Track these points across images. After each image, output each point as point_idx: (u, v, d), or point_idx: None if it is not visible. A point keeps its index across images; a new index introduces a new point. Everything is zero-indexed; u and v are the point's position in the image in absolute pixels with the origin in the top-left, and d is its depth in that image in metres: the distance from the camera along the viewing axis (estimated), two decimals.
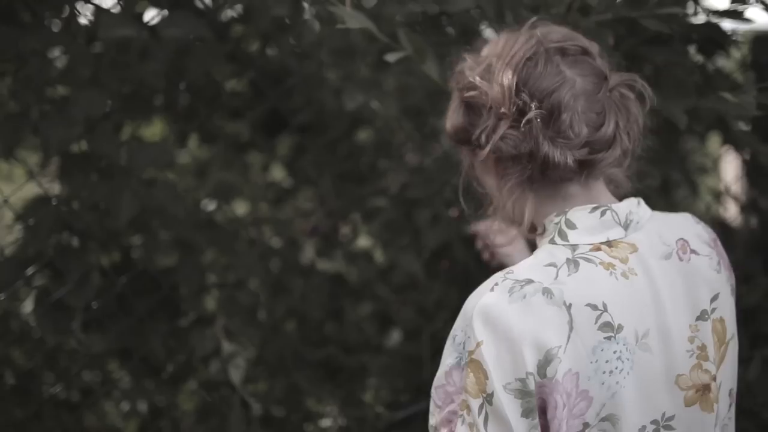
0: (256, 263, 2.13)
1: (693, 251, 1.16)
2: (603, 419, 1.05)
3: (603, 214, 1.11)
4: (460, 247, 2.21)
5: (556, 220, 1.12)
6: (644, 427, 1.08)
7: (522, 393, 1.03)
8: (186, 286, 2.00)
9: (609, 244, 1.11)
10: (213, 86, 2.19)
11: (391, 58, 1.41)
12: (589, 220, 1.11)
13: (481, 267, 2.22)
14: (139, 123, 2.04)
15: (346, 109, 2.10)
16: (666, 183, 2.29)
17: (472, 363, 1.04)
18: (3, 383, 1.95)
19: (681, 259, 1.14)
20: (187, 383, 2.15)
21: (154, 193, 1.85)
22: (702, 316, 1.13)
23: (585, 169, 1.11)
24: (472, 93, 1.14)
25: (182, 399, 2.22)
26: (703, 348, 1.12)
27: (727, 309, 1.17)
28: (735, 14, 1.60)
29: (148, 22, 1.85)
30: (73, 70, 1.84)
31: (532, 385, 1.03)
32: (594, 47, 1.17)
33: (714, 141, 2.39)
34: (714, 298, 1.15)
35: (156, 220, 1.94)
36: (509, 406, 1.03)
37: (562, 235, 1.11)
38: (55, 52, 1.96)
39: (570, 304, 1.04)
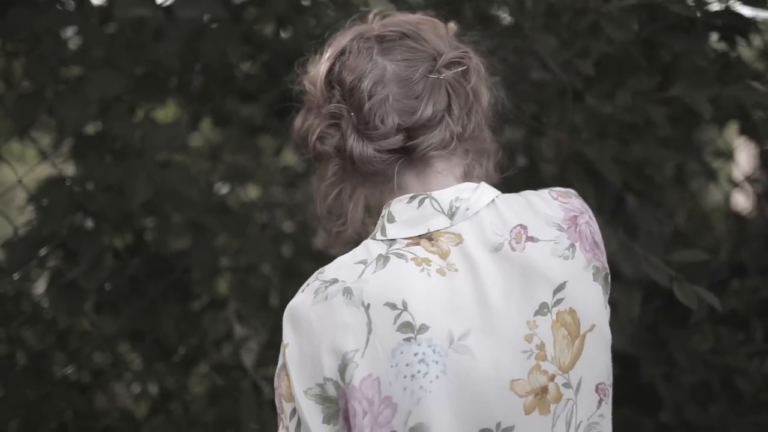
0: (268, 247, 2.12)
1: (530, 238, 1.04)
2: (412, 428, 0.97)
3: (421, 203, 1.05)
4: None
5: (383, 213, 1.08)
6: None
7: (322, 399, 0.99)
8: (198, 269, 2.00)
9: (430, 237, 1.03)
10: (227, 68, 2.18)
11: None
12: (408, 212, 1.05)
13: None
14: (153, 105, 2.03)
15: None
16: (680, 173, 2.27)
17: (284, 366, 1.02)
18: (15, 364, 1.95)
19: (514, 249, 1.03)
20: (198, 366, 2.15)
21: (168, 175, 1.84)
22: (541, 310, 1.01)
23: (403, 156, 1.06)
24: (306, 96, 1.13)
25: (193, 382, 2.22)
26: (541, 347, 1.00)
27: (582, 298, 1.03)
28: (758, 1, 1.57)
29: (163, 2, 1.84)
30: (87, 50, 1.83)
31: (332, 390, 0.98)
32: (435, 29, 1.12)
33: (728, 130, 2.37)
34: (559, 289, 1.02)
35: (169, 202, 1.93)
36: (310, 411, 0.98)
37: (383, 230, 1.06)
38: (69, 32, 1.95)
39: (368, 305, 0.99)
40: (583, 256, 1.05)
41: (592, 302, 1.04)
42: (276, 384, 1.04)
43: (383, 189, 1.09)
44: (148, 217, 2.04)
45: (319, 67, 1.11)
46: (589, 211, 1.09)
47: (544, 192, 1.09)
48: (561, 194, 1.09)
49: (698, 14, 1.48)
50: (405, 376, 0.97)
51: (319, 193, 1.15)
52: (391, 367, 0.97)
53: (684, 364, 1.79)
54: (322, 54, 1.13)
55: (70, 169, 2.02)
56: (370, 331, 0.98)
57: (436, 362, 0.97)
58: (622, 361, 1.79)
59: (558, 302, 1.02)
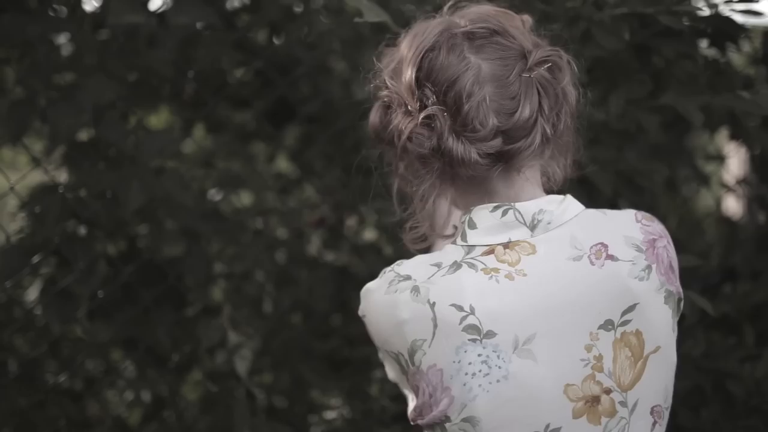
0: (262, 254, 2.13)
1: (610, 256, 1.05)
2: (464, 419, 1.03)
3: (505, 213, 1.06)
4: None
5: (463, 218, 1.08)
6: None
7: (397, 360, 1.07)
8: (192, 276, 2.00)
9: (506, 245, 1.05)
10: (220, 75, 2.18)
11: None
12: (490, 220, 1.06)
13: None
14: (146, 111, 2.03)
15: (354, 100, 2.09)
16: (672, 178, 2.28)
17: (364, 324, 1.11)
18: (6, 371, 1.94)
19: (593, 264, 1.04)
20: (192, 373, 2.14)
21: (161, 182, 1.84)
22: (606, 325, 1.04)
23: (501, 162, 1.05)
24: (385, 92, 1.10)
25: (187, 389, 2.22)
26: (599, 358, 1.03)
27: (650, 320, 1.05)
28: (751, 11, 1.59)
29: (156, 9, 1.84)
30: (80, 57, 1.84)
31: (403, 362, 1.06)
32: (525, 24, 1.10)
33: (719, 135, 2.38)
34: (629, 310, 1.04)
35: (162, 209, 1.93)
36: (392, 361, 1.08)
37: (463, 236, 1.07)
38: (62, 39, 1.95)
39: (434, 303, 1.03)
40: (657, 279, 1.06)
41: (659, 324, 1.06)
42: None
43: (470, 192, 1.09)
44: (141, 224, 2.04)
45: (403, 63, 1.07)
46: (668, 236, 1.11)
47: (630, 213, 1.11)
48: (645, 217, 1.11)
49: (686, 23, 1.49)
50: (466, 374, 1.02)
51: (397, 192, 1.18)
52: (454, 362, 1.02)
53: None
54: (397, 49, 1.11)
55: (62, 176, 2.01)
56: (435, 326, 1.03)
57: (499, 367, 1.02)
58: None
59: (625, 323, 1.04)
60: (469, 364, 1.01)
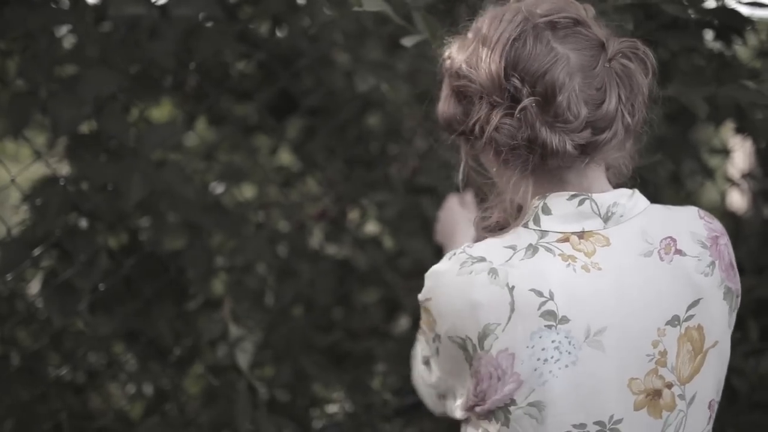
0: (263, 247, 2.12)
1: (678, 251, 1.07)
2: (531, 404, 1.04)
3: (581, 203, 1.06)
4: None
5: (536, 203, 1.08)
6: (583, 425, 1.04)
7: (463, 346, 1.06)
8: (193, 269, 1.99)
9: (581, 235, 1.05)
10: (222, 67, 2.17)
11: (407, 42, 1.38)
12: (566, 208, 1.06)
13: None
14: (148, 104, 2.02)
15: (357, 92, 2.08)
16: (676, 172, 2.27)
17: (424, 309, 1.10)
18: (9, 364, 1.94)
19: (662, 259, 1.06)
20: (193, 367, 2.14)
21: (163, 174, 1.83)
22: (672, 321, 1.06)
23: (587, 153, 1.05)
24: (461, 82, 1.08)
25: (188, 382, 2.21)
26: (663, 354, 1.05)
27: (711, 315, 1.08)
28: (755, 2, 1.57)
29: (157, 1, 1.83)
30: (82, 49, 1.83)
31: (471, 347, 1.05)
32: (588, 12, 1.10)
33: (724, 128, 2.37)
34: (693, 304, 1.07)
35: (164, 202, 1.93)
36: (452, 349, 1.07)
37: (536, 220, 1.07)
38: (63, 31, 1.94)
39: (513, 287, 1.03)
40: (719, 275, 1.09)
41: (718, 320, 1.09)
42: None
43: (546, 182, 1.08)
44: (142, 217, 2.04)
45: (482, 52, 1.06)
46: (727, 235, 1.14)
47: (692, 209, 1.13)
48: (706, 214, 1.14)
49: (692, 14, 1.48)
50: (538, 359, 1.02)
51: (498, 183, 1.13)
52: (527, 347, 1.02)
53: None
54: (472, 38, 1.09)
55: (64, 169, 2.01)
56: (512, 311, 1.02)
57: (569, 353, 1.03)
58: None
59: (689, 318, 1.07)
60: (543, 349, 1.02)
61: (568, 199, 1.06)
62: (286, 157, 2.64)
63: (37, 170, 1.98)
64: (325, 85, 2.28)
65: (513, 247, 1.05)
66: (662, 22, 1.54)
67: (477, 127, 1.07)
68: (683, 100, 1.46)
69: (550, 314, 1.02)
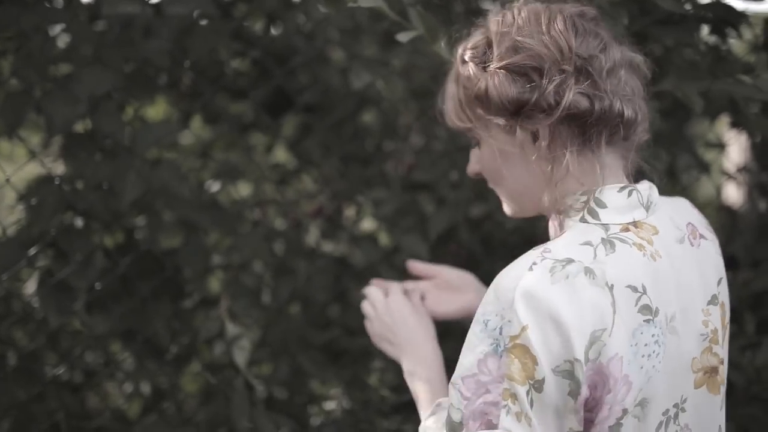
0: (260, 245, 2.12)
1: (701, 235, 1.14)
2: (638, 404, 1.02)
3: (630, 194, 1.07)
4: (466, 230, 2.19)
5: (583, 198, 1.07)
6: (667, 410, 1.06)
7: (570, 374, 0.98)
8: (190, 267, 1.99)
9: (635, 224, 1.07)
10: (217, 65, 2.17)
11: (402, 38, 1.38)
12: (619, 200, 1.06)
13: (487, 251, 2.21)
14: (143, 102, 2.02)
15: (352, 89, 2.07)
16: (672, 166, 2.27)
17: (517, 348, 0.98)
18: (5, 364, 1.94)
19: (692, 245, 1.12)
20: (190, 365, 2.14)
21: (159, 173, 1.83)
22: (713, 300, 1.11)
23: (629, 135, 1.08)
24: (517, 57, 1.05)
25: (185, 381, 2.21)
26: (715, 332, 1.10)
27: (726, 293, 1.16)
28: None
29: None
30: (76, 48, 1.82)
31: (580, 369, 0.97)
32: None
33: (719, 122, 2.37)
34: (719, 283, 1.14)
35: (160, 200, 1.92)
36: (558, 385, 0.98)
37: (593, 214, 1.06)
38: (57, 30, 1.94)
39: (612, 285, 1.00)
40: (721, 257, 1.18)
41: (728, 297, 1.17)
42: (474, 371, 1.01)
43: (588, 167, 1.07)
44: (138, 216, 2.03)
45: (541, 25, 1.06)
46: None
47: (684, 199, 1.21)
48: (693, 205, 1.21)
49: (687, 8, 1.48)
50: (642, 356, 1.01)
51: (532, 170, 1.09)
52: (631, 346, 1.00)
53: None
54: (503, 19, 1.09)
55: (59, 168, 2.00)
56: (615, 312, 0.99)
57: (663, 343, 1.04)
58: None
59: (719, 295, 1.13)
60: (645, 345, 1.01)
61: (618, 191, 1.07)
62: (281, 155, 2.64)
63: (32, 170, 1.97)
64: (321, 82, 2.27)
65: (589, 243, 1.02)
66: (657, 17, 1.54)
67: (551, 99, 1.04)
68: (678, 95, 1.47)
69: (646, 309, 1.02)
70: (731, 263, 2.09)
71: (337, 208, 2.40)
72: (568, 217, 1.08)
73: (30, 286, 2.03)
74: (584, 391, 0.99)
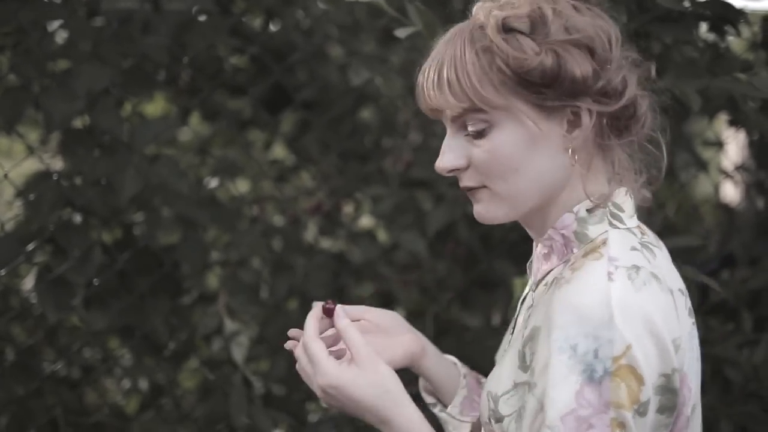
0: (258, 241, 2.12)
1: None
2: (692, 407, 0.97)
3: (632, 197, 1.02)
4: (465, 227, 2.19)
5: (604, 203, 0.99)
6: (695, 406, 1.01)
7: (666, 390, 0.92)
8: (188, 263, 1.99)
9: (640, 228, 1.01)
10: (215, 62, 2.16)
11: (401, 33, 1.38)
12: (629, 204, 1.01)
13: (486, 248, 2.21)
14: (141, 98, 2.02)
15: (351, 86, 2.07)
16: (669, 164, 2.27)
17: (623, 370, 0.88)
18: (3, 359, 1.94)
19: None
20: (188, 361, 2.14)
21: (157, 169, 1.83)
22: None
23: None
24: (580, 35, 0.96)
25: (183, 377, 2.21)
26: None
27: None
28: None
29: None
30: (74, 43, 1.82)
31: (676, 380, 0.92)
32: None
33: (717, 120, 2.37)
34: None
35: (158, 196, 1.92)
36: (656, 406, 0.91)
37: (617, 218, 0.99)
38: (55, 25, 1.93)
39: (671, 290, 0.95)
40: None
41: None
42: (573, 406, 0.88)
43: (608, 162, 1.00)
44: (137, 212, 2.03)
45: (587, 13, 0.99)
46: None
47: None
48: None
49: (686, 5, 1.48)
50: (695, 359, 0.98)
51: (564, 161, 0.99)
52: (689, 351, 0.96)
53: None
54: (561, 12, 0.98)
55: (57, 164, 2.00)
56: (677, 317, 0.95)
57: (698, 346, 1.00)
58: None
59: None
60: (695, 348, 0.98)
61: (625, 195, 1.01)
62: (280, 151, 2.64)
63: (30, 166, 1.97)
64: (319, 78, 2.27)
65: (635, 248, 0.96)
66: (656, 14, 1.54)
67: (618, 86, 0.97)
68: (677, 93, 1.46)
69: (691, 311, 0.99)
70: (729, 261, 2.10)
71: (336, 204, 2.40)
72: (591, 223, 0.99)
73: (28, 282, 2.03)
74: (678, 403, 0.93)
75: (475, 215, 1.03)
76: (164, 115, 2.20)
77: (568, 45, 0.96)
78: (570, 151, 0.97)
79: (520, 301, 1.10)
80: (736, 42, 1.97)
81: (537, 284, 1.04)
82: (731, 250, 2.10)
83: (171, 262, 1.95)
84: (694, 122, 2.63)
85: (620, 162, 1.00)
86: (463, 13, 1.15)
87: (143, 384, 2.12)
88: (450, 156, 1.01)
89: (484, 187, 1.01)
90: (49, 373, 1.97)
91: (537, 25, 0.97)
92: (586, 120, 0.97)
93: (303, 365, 1.05)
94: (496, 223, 1.03)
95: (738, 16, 1.61)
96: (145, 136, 1.82)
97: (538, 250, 1.04)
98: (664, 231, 2.02)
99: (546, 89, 0.96)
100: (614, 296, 0.90)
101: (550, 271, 1.02)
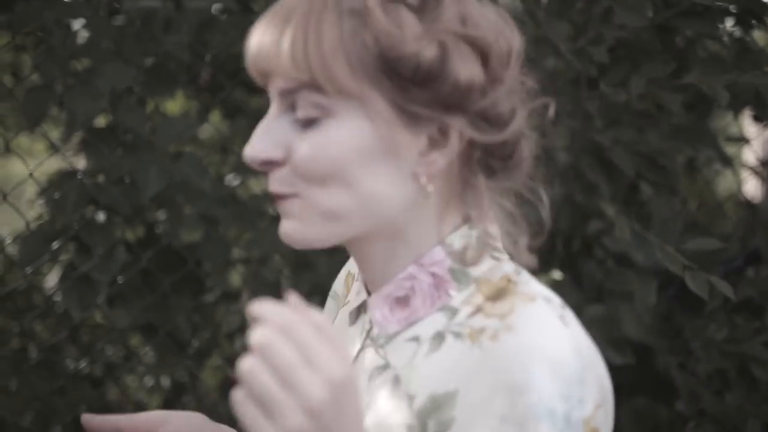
0: (280, 239, 2.11)
1: None
2: None
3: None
4: None
5: (471, 232, 0.78)
6: None
7: None
8: (211, 261, 1.99)
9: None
10: (236, 60, 2.16)
11: None
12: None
13: None
14: (163, 96, 2.02)
15: None
16: (692, 160, 2.25)
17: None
18: (27, 357, 1.95)
19: None
20: (211, 359, 2.14)
21: (179, 167, 1.83)
22: None
23: None
24: (477, 32, 0.74)
25: (206, 375, 2.22)
26: None
27: None
28: None
29: None
30: (96, 42, 1.83)
31: None
32: None
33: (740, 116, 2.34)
34: None
35: (180, 194, 1.92)
36: None
37: (495, 248, 0.78)
38: (78, 25, 1.94)
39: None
40: None
41: None
42: None
43: (455, 202, 0.79)
44: (159, 210, 2.04)
45: (504, 28, 0.77)
46: None
47: None
48: None
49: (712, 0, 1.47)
50: None
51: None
52: None
53: (699, 352, 1.78)
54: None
55: (80, 162, 2.01)
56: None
57: None
58: (637, 350, 1.78)
59: None
60: None
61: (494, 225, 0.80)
62: None
63: (52, 164, 1.98)
64: None
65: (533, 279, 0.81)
66: (681, 8, 1.52)
67: (504, 110, 0.75)
68: (703, 88, 1.45)
69: None
70: (754, 258, 2.07)
71: None
72: (471, 259, 0.77)
73: (51, 280, 2.04)
74: None
75: (281, 235, 0.79)
76: (185, 113, 2.20)
77: (459, 40, 0.73)
78: (423, 177, 0.74)
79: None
80: (761, 36, 1.94)
81: (390, 338, 0.79)
82: (756, 247, 2.08)
83: (193, 259, 1.96)
84: (718, 117, 2.61)
85: (483, 209, 0.77)
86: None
87: (166, 382, 2.13)
88: (263, 142, 0.76)
89: (297, 196, 0.76)
90: (73, 370, 1.98)
91: (429, 3, 0.73)
92: (454, 143, 0.74)
93: (288, 372, 0.63)
94: (310, 248, 0.78)
95: (764, 9, 1.60)
96: (167, 134, 1.82)
97: (385, 292, 0.79)
98: (687, 229, 2.01)
99: (416, 88, 0.72)
100: (582, 346, 0.72)
101: (416, 322, 0.78)
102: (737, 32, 1.71)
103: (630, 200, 1.85)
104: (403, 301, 0.78)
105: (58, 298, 1.95)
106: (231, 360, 2.04)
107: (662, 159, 1.80)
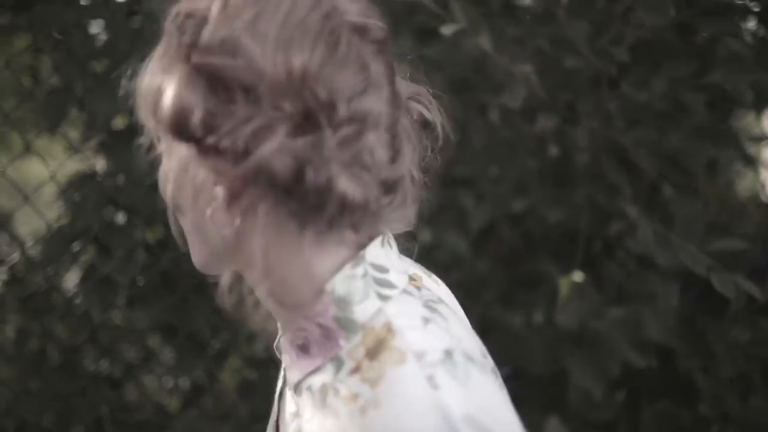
0: None
1: None
2: None
3: (390, 243, 0.83)
4: (507, 225, 2.17)
5: (359, 271, 0.75)
6: None
7: None
8: None
9: (412, 280, 0.83)
10: None
11: (447, 30, 1.37)
12: (389, 255, 0.80)
13: (529, 247, 2.19)
14: None
15: None
16: (713, 160, 2.23)
17: None
18: (47, 358, 1.96)
19: None
20: (230, 360, 2.14)
21: None
22: None
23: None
24: (224, 61, 0.69)
25: (225, 375, 2.22)
26: None
27: None
28: None
29: None
30: (114, 44, 1.83)
31: None
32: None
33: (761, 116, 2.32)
34: None
35: None
36: None
37: (385, 284, 0.76)
38: (97, 27, 1.95)
39: (483, 365, 0.74)
40: None
41: None
42: None
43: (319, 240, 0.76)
44: None
45: (282, 38, 0.71)
46: None
47: None
48: None
49: None
50: None
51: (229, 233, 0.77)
52: None
53: (723, 355, 1.76)
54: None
55: (99, 164, 2.02)
56: (505, 399, 0.76)
57: None
58: (660, 353, 1.77)
59: None
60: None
61: (382, 246, 0.79)
62: None
63: (69, 166, 1.99)
64: None
65: (426, 319, 0.76)
66: (702, 7, 1.51)
67: (240, 139, 0.68)
68: (727, 87, 1.44)
69: (496, 372, 0.80)
70: None
71: None
72: (356, 303, 0.74)
73: (70, 281, 2.05)
74: None
75: None
76: None
77: (185, 68, 0.73)
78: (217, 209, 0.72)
79: (277, 395, 0.88)
80: None
81: (297, 385, 0.78)
82: None
83: None
84: (739, 117, 2.58)
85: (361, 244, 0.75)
86: (503, 10, 1.13)
87: (185, 383, 2.13)
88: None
89: None
90: (93, 371, 1.99)
91: (191, 27, 0.74)
92: (227, 184, 0.72)
93: None
94: (206, 272, 0.81)
95: None
96: None
97: (290, 337, 0.78)
98: (711, 228, 1.99)
99: (151, 115, 0.76)
100: (450, 410, 0.66)
101: (314, 371, 0.76)
102: (759, 31, 1.69)
103: (652, 201, 1.83)
104: (303, 349, 0.77)
105: (78, 299, 1.96)
106: (250, 361, 2.03)
107: (684, 159, 1.78)
